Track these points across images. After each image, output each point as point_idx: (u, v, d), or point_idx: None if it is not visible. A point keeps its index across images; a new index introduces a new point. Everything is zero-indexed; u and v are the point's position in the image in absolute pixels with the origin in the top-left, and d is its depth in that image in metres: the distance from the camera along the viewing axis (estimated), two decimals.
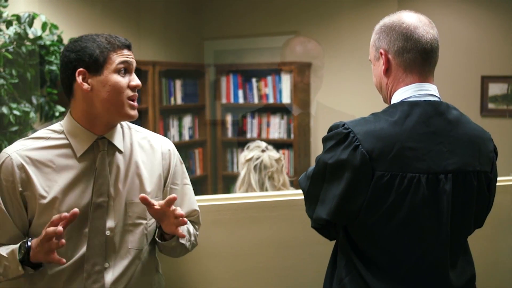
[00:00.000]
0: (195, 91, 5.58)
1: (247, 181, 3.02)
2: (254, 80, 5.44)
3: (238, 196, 2.28)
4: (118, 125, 1.76)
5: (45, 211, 1.63)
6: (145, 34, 5.14)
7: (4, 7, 3.55)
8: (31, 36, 3.67)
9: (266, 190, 3.01)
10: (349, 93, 4.96)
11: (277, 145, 5.24)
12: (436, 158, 1.51)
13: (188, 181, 1.88)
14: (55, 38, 3.87)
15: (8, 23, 3.56)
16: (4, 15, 3.56)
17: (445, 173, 1.51)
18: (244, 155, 3.08)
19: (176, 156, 1.85)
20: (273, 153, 3.09)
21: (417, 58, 1.57)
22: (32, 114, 3.58)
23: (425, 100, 1.56)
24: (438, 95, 1.60)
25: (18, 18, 3.60)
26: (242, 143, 5.43)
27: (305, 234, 2.11)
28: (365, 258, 1.57)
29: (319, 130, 4.68)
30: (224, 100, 5.55)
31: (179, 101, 5.35)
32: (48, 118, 3.83)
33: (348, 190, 1.51)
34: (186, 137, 5.47)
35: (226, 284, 2.14)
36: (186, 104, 5.43)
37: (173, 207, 1.62)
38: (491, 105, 4.83)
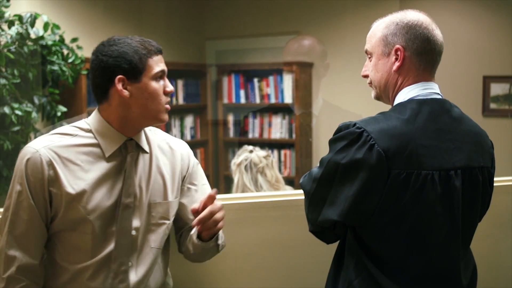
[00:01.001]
0: (196, 91, 5.58)
1: (241, 183, 3.09)
2: (256, 80, 5.44)
3: (239, 196, 2.28)
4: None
5: (71, 209, 1.63)
6: (146, 34, 5.11)
7: (6, 7, 3.55)
8: (33, 36, 3.67)
9: (261, 187, 3.05)
10: (352, 92, 4.96)
11: (279, 145, 5.26)
12: (446, 155, 1.52)
13: (206, 181, 1.90)
14: (57, 38, 3.87)
15: (10, 23, 3.56)
16: (6, 15, 3.56)
17: (454, 170, 1.53)
18: (234, 162, 3.18)
19: (193, 157, 1.88)
20: (260, 152, 3.17)
21: (433, 59, 1.59)
22: (34, 114, 3.59)
23: (431, 98, 1.57)
24: (441, 94, 1.61)
25: (20, 18, 3.61)
26: (243, 143, 5.43)
27: (306, 234, 2.10)
28: (377, 259, 1.56)
29: (321, 130, 4.67)
30: (226, 100, 5.55)
31: (180, 101, 5.35)
32: (50, 118, 3.84)
33: (363, 190, 1.50)
34: (188, 137, 5.47)
35: (228, 284, 2.14)
36: (188, 104, 5.44)
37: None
38: (493, 105, 4.82)
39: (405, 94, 1.59)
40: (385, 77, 1.63)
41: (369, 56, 1.68)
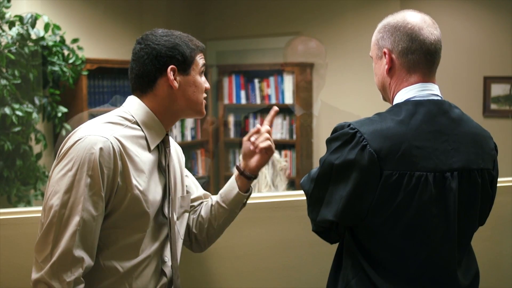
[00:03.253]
0: None
1: (258, 178, 3.03)
2: (256, 80, 5.44)
3: None
4: None
5: (135, 203, 1.56)
6: None
7: (7, 7, 3.56)
8: (33, 36, 3.67)
9: (276, 186, 3.03)
10: (352, 93, 4.96)
11: (280, 146, 5.25)
12: (442, 157, 1.51)
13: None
14: (58, 38, 3.87)
15: (11, 24, 3.57)
16: (7, 15, 3.57)
17: (451, 171, 1.52)
18: None
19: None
20: (277, 155, 3.16)
21: (421, 59, 1.57)
22: (34, 115, 3.59)
23: (429, 100, 1.56)
24: (441, 95, 1.60)
25: (20, 18, 3.61)
26: None
27: (307, 235, 2.10)
28: (372, 259, 1.56)
29: (322, 131, 4.67)
30: (226, 101, 5.56)
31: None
32: (50, 118, 3.84)
33: (356, 190, 1.50)
34: (189, 137, 5.47)
35: (228, 285, 2.14)
36: None
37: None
38: (493, 106, 4.82)
39: (403, 95, 1.59)
40: (381, 80, 1.66)
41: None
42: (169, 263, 1.70)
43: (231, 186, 1.84)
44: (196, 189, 1.92)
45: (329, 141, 1.58)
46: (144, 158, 1.61)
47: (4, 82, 3.43)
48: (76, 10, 4.45)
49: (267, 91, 5.41)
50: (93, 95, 4.25)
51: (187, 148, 5.39)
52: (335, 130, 1.58)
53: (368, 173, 1.49)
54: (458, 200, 1.53)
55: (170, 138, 1.82)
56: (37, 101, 3.69)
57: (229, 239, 2.02)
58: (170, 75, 1.63)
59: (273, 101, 5.37)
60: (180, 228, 1.77)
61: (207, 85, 1.74)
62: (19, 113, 3.49)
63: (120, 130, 1.57)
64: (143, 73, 1.64)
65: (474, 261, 1.67)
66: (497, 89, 4.80)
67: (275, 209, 2.19)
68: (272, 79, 5.37)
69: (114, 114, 1.63)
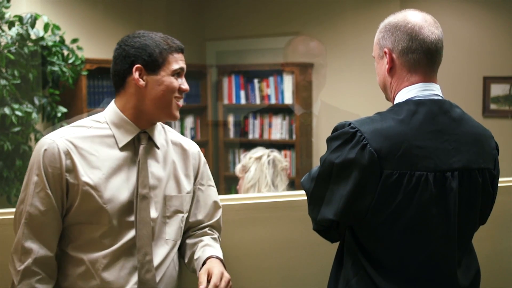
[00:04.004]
0: (197, 92, 5.58)
1: (258, 177, 3.02)
2: (256, 80, 5.44)
3: (239, 197, 2.27)
4: (158, 123, 1.82)
5: (87, 198, 1.65)
6: None
7: (7, 8, 3.56)
8: (33, 36, 3.67)
9: (277, 187, 3.02)
10: (352, 92, 4.96)
11: (279, 145, 5.25)
12: (442, 156, 1.51)
13: (212, 181, 1.95)
14: (57, 38, 3.87)
15: (11, 24, 3.57)
16: (7, 15, 3.57)
17: (451, 171, 1.52)
18: (249, 156, 3.09)
19: (203, 157, 1.93)
20: (278, 155, 3.14)
21: (422, 58, 1.57)
22: (34, 115, 3.59)
23: (429, 99, 1.56)
24: (442, 95, 1.60)
25: (20, 18, 3.61)
26: (244, 144, 5.44)
27: (307, 235, 2.10)
28: (372, 258, 1.56)
29: (322, 130, 4.67)
30: (226, 101, 5.56)
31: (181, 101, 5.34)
32: (50, 118, 3.84)
33: (356, 189, 1.50)
34: (188, 137, 5.45)
35: None
36: (188, 104, 5.44)
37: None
38: (493, 106, 4.82)
39: (404, 95, 1.58)
40: (382, 80, 1.66)
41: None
42: (139, 257, 1.70)
43: (195, 265, 1.80)
44: (204, 210, 1.89)
45: (329, 140, 1.58)
46: (106, 155, 1.69)
47: (3, 82, 3.43)
48: (76, 10, 4.45)
49: (267, 91, 5.41)
50: (93, 95, 4.26)
51: None
52: (335, 129, 1.57)
53: (368, 172, 1.49)
54: (459, 200, 1.53)
55: (178, 135, 1.89)
56: (36, 101, 3.69)
57: (229, 239, 2.01)
58: (136, 74, 1.68)
59: (273, 101, 5.37)
60: (165, 228, 1.76)
61: (184, 86, 1.74)
62: (18, 113, 3.49)
63: (80, 132, 1.69)
64: (115, 73, 1.73)
65: (475, 261, 1.66)
66: (497, 89, 4.80)
67: (275, 209, 2.19)
68: (271, 79, 5.37)
69: (88, 117, 1.77)
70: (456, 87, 4.66)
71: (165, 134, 1.85)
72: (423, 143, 1.50)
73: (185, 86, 1.75)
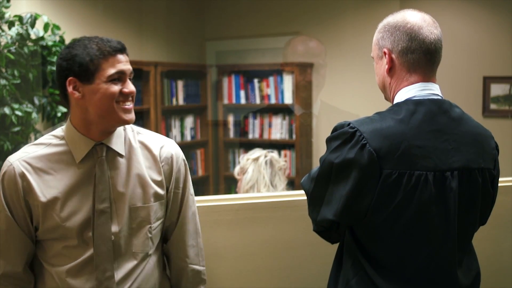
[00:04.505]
0: (197, 92, 5.58)
1: (256, 178, 3.03)
2: (256, 80, 5.44)
3: (239, 197, 2.27)
4: (120, 129, 1.74)
5: (47, 217, 1.65)
6: (147, 35, 5.14)
7: (7, 7, 3.55)
8: (33, 36, 3.67)
9: (276, 186, 3.03)
10: (352, 92, 4.96)
11: (279, 145, 5.26)
12: (442, 156, 1.51)
13: (189, 184, 1.84)
14: (57, 38, 3.87)
15: (10, 24, 3.57)
16: (6, 15, 3.56)
17: (451, 171, 1.51)
18: (247, 157, 3.11)
19: (179, 160, 1.82)
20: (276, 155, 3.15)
21: (421, 58, 1.57)
22: (34, 115, 3.59)
23: (429, 99, 1.56)
24: (441, 95, 1.60)
25: (20, 18, 3.61)
26: (244, 144, 5.44)
27: (306, 235, 2.10)
28: (372, 259, 1.56)
29: (322, 130, 4.67)
30: (226, 101, 5.55)
31: (181, 101, 5.35)
32: (50, 118, 3.84)
33: (355, 189, 1.50)
34: (188, 137, 5.47)
35: (228, 285, 2.14)
36: (188, 104, 5.43)
37: None
38: (493, 106, 4.82)
39: (403, 95, 1.59)
40: (381, 80, 1.66)
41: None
42: (114, 273, 1.68)
43: None
44: (173, 210, 1.82)
45: (329, 140, 1.58)
46: (63, 173, 1.67)
47: (3, 82, 3.43)
48: (76, 10, 4.45)
49: (267, 91, 5.41)
50: None
51: (186, 148, 5.38)
52: (334, 129, 1.58)
53: (367, 172, 1.49)
54: (459, 200, 1.53)
55: (150, 137, 1.79)
56: (36, 101, 3.69)
57: (229, 239, 2.01)
58: (69, 88, 1.64)
59: (273, 101, 5.37)
60: (132, 240, 1.72)
61: (126, 89, 1.65)
62: (18, 113, 3.49)
63: (38, 151, 1.68)
64: (58, 89, 1.71)
65: (475, 261, 1.66)
66: (497, 89, 4.80)
67: (275, 209, 2.19)
68: (271, 79, 5.37)
69: (49, 133, 1.75)
70: (456, 87, 4.66)
71: (133, 137, 1.77)
72: (422, 143, 1.50)
73: (128, 88, 1.65)
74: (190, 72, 5.52)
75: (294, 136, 5.21)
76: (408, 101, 1.56)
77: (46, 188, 1.65)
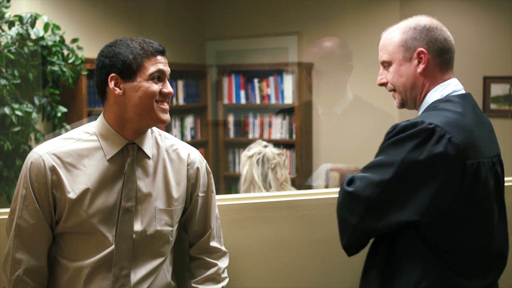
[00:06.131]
0: (197, 92, 5.58)
1: (250, 177, 3.02)
2: (256, 80, 5.44)
3: (240, 197, 2.27)
4: (149, 131, 1.78)
5: (73, 212, 1.66)
6: (147, 35, 5.12)
7: (7, 7, 3.55)
8: (33, 36, 3.67)
9: (269, 184, 3.01)
10: (352, 92, 4.95)
11: (279, 145, 5.25)
12: (488, 144, 1.63)
13: (212, 190, 1.90)
14: (57, 38, 3.87)
15: (11, 24, 3.57)
16: (7, 15, 3.56)
17: (495, 157, 1.64)
18: (245, 154, 3.10)
19: (203, 166, 1.87)
20: (274, 149, 3.12)
21: (451, 58, 1.69)
22: (34, 115, 3.59)
23: (466, 93, 1.68)
24: None
25: (20, 18, 3.61)
26: (244, 144, 5.44)
27: (307, 235, 2.11)
28: (448, 255, 1.58)
29: (322, 130, 4.66)
30: (226, 101, 5.55)
31: (181, 101, 5.35)
32: (50, 118, 3.84)
33: (443, 184, 1.53)
34: (188, 137, 5.47)
35: (228, 285, 2.14)
36: (188, 104, 5.44)
37: None
38: (493, 106, 4.82)
39: (440, 92, 1.66)
40: (410, 80, 1.68)
41: (385, 65, 1.72)
42: (133, 272, 1.70)
43: None
44: (198, 220, 1.87)
45: (399, 141, 1.56)
46: (92, 169, 1.68)
47: (3, 82, 3.43)
48: (76, 10, 4.45)
49: (267, 91, 5.41)
50: (93, 95, 4.25)
51: None
52: (403, 130, 1.56)
53: (455, 165, 1.53)
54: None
55: (177, 143, 1.84)
56: (36, 101, 3.69)
57: (229, 239, 2.01)
58: (111, 84, 1.66)
59: (273, 101, 5.37)
60: (153, 241, 1.74)
61: (165, 89, 1.69)
62: (18, 113, 3.49)
63: (67, 145, 1.69)
64: (97, 85, 1.73)
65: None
66: (497, 89, 4.80)
67: (275, 209, 2.19)
68: (271, 79, 5.37)
69: (79, 128, 1.76)
70: None
71: (160, 141, 1.81)
72: (479, 133, 1.59)
73: (167, 89, 1.70)
74: (190, 72, 5.52)
75: (294, 136, 5.21)
76: (453, 96, 1.64)
77: (75, 184, 1.66)
